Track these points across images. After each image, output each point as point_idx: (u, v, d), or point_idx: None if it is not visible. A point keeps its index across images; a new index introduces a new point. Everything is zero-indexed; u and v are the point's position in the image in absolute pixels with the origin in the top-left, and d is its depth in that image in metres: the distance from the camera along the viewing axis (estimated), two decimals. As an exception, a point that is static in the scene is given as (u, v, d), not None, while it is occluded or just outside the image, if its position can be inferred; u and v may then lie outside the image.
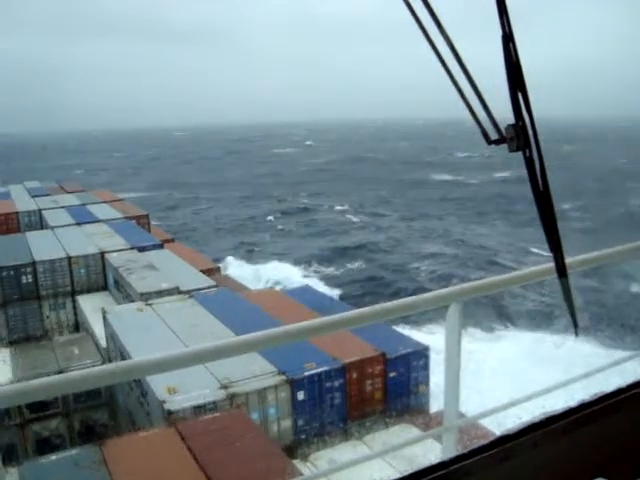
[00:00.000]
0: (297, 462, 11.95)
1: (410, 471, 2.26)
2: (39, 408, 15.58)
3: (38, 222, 32.28)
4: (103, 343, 17.96)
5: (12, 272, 22.47)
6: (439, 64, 1.82)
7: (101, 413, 16.85)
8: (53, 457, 10.97)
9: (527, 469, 2.54)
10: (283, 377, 12.78)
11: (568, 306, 2.29)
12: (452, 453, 2.54)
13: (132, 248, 24.39)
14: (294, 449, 12.72)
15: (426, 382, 14.05)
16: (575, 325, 2.36)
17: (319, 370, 13.01)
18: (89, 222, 29.93)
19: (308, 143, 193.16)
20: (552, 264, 2.21)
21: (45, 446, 15.46)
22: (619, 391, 2.82)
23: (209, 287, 19.37)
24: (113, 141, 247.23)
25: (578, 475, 2.22)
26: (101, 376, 2.70)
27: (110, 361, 16.86)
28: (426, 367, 14.02)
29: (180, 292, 18.79)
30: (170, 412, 11.61)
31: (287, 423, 12.85)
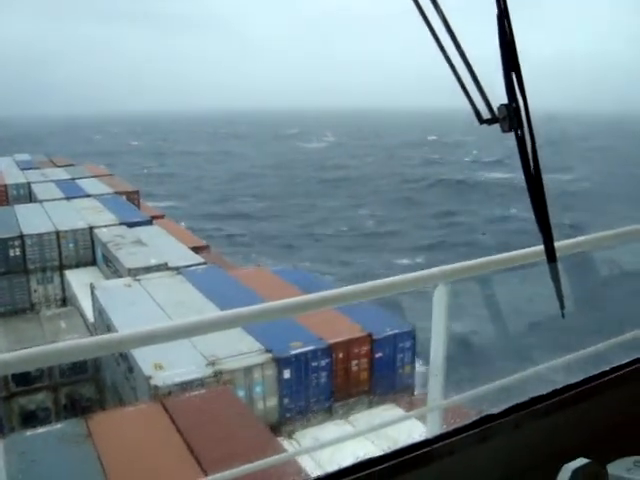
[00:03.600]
0: (282, 440, 12.02)
1: (394, 448, 2.29)
2: (25, 381, 15.60)
3: (27, 195, 32.14)
4: (90, 318, 17.95)
5: (0, 245, 22.40)
6: (433, 41, 1.79)
7: (87, 387, 16.87)
8: (39, 430, 11.01)
9: (508, 449, 2.57)
10: (269, 355, 12.82)
11: (556, 289, 2.31)
12: (436, 433, 2.57)
13: (121, 224, 24.31)
14: (279, 427, 12.80)
15: (412, 363, 14.14)
16: (562, 308, 2.38)
17: (305, 349, 13.05)
18: (78, 196, 29.81)
19: (330, 139, 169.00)
20: (541, 247, 2.21)
21: (31, 419, 15.51)
22: (602, 374, 2.87)
23: (198, 264, 19.38)
24: (127, 125, 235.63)
25: (559, 456, 2.24)
26: (86, 348, 2.71)
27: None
28: (412, 348, 14.09)
29: (168, 268, 18.77)
30: (156, 388, 11.64)
31: (273, 401, 12.91)
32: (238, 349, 12.84)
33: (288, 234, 55.90)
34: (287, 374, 12.91)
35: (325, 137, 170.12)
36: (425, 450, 2.33)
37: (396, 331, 14.07)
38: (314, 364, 13.14)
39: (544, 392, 2.67)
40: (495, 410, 2.54)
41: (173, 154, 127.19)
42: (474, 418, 2.48)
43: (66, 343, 2.54)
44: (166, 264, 19.12)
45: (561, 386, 2.73)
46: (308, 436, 12.54)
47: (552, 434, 2.67)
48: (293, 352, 12.95)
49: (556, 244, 2.21)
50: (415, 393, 14.20)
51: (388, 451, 2.27)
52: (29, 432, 10.80)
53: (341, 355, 13.48)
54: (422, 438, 2.42)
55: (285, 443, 11.79)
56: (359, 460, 2.22)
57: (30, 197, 31.66)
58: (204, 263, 19.53)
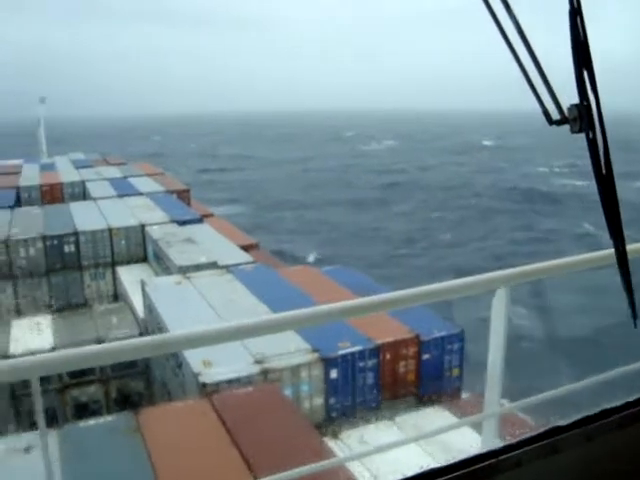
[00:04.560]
0: (327, 439, 12.04)
1: (458, 459, 2.23)
2: (78, 374, 15.93)
3: (81, 193, 32.81)
4: (141, 314, 18.26)
5: (56, 241, 23.02)
6: (501, 39, 1.74)
7: (137, 382, 17.15)
8: (91, 422, 11.25)
9: (579, 463, 2.46)
10: (317, 355, 12.85)
11: (628, 296, 2.19)
12: (493, 441, 2.49)
13: (172, 221, 24.70)
14: (325, 427, 12.81)
15: (460, 366, 14.02)
16: (634, 317, 2.26)
17: (353, 349, 13.05)
18: (131, 194, 30.39)
19: (389, 142, 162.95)
20: (610, 250, 2.10)
21: (83, 411, 15.85)
22: None
23: (247, 263, 19.53)
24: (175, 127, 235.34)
25: (634, 472, 2.14)
26: (140, 348, 2.74)
27: (147, 332, 17.13)
28: (460, 351, 13.98)
29: (218, 267, 18.96)
30: (204, 384, 11.77)
31: (319, 401, 12.94)
32: (286, 348, 12.89)
33: (355, 252, 48.45)
34: (334, 374, 12.92)
35: (384, 140, 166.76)
36: (491, 462, 2.25)
37: (444, 333, 13.97)
38: (361, 364, 13.12)
39: (616, 404, 2.55)
40: (564, 421, 2.44)
41: (231, 157, 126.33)
42: (542, 429, 2.39)
43: (121, 343, 2.58)
44: (216, 262, 19.33)
45: (635, 398, 2.60)
46: (353, 436, 12.53)
47: (625, 448, 2.54)
48: (341, 352, 12.95)
49: (628, 246, 2.10)
50: (462, 396, 14.08)
51: (451, 462, 2.22)
52: (82, 423, 11.03)
53: (388, 356, 13.44)
54: (486, 449, 2.33)
55: (330, 443, 11.80)
56: (421, 471, 2.17)
57: (84, 195, 32.28)
58: (253, 262, 19.69)
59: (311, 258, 48.50)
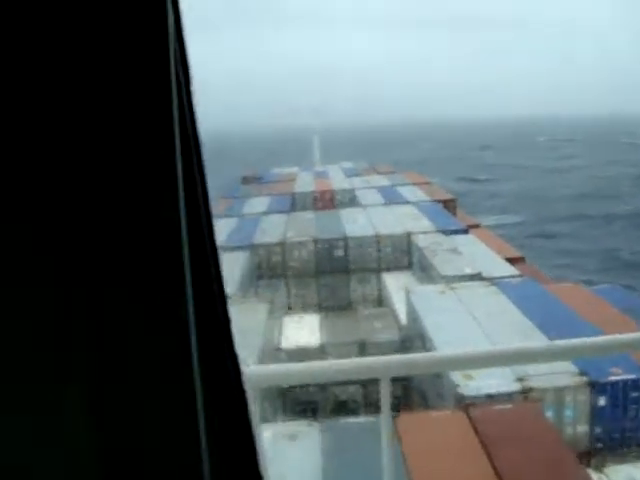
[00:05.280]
0: (590, 471, 11.27)
1: None
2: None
3: (351, 200, 34.17)
4: (403, 320, 18.56)
5: (326, 245, 24.42)
6: None
7: (395, 387, 17.36)
8: (350, 420, 11.66)
9: None
10: (584, 379, 12.08)
11: None
12: None
13: (437, 231, 24.85)
14: (588, 457, 12.01)
15: None
16: None
17: (626, 377, 12.05)
18: (398, 203, 31.08)
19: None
20: None
21: (342, 408, 16.48)
22: None
23: (513, 276, 19.01)
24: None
25: None
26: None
27: (409, 339, 17.37)
28: None
29: (482, 278, 18.70)
30: (463, 397, 11.64)
31: (583, 428, 12.15)
32: (550, 368, 12.29)
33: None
34: (602, 401, 12.05)
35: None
36: None
37: None
38: (635, 395, 12.09)
39: None
40: None
41: (499, 166, 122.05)
42: None
43: (481, 351, 2.62)
44: (480, 274, 19.08)
45: None
46: (621, 472, 11.57)
47: None
48: (611, 379, 12.05)
49: None
50: None
51: None
52: (342, 420, 11.46)
53: (666, 389, 12.27)
54: None
55: (593, 475, 11.02)
56: None
57: (353, 202, 33.61)
58: (519, 275, 19.13)
59: (581, 279, 44.25)
